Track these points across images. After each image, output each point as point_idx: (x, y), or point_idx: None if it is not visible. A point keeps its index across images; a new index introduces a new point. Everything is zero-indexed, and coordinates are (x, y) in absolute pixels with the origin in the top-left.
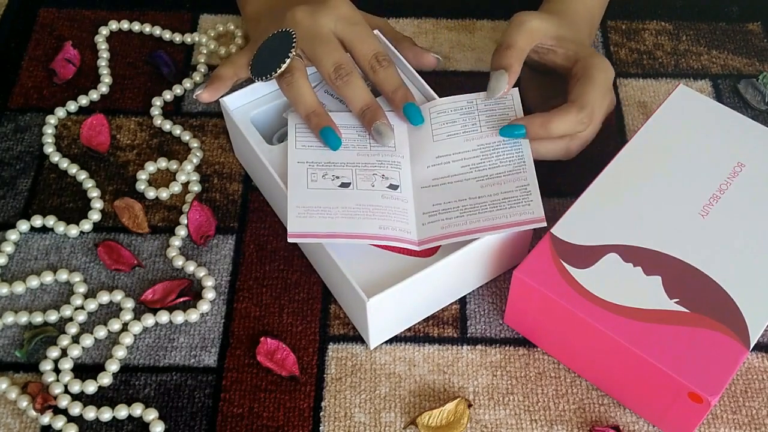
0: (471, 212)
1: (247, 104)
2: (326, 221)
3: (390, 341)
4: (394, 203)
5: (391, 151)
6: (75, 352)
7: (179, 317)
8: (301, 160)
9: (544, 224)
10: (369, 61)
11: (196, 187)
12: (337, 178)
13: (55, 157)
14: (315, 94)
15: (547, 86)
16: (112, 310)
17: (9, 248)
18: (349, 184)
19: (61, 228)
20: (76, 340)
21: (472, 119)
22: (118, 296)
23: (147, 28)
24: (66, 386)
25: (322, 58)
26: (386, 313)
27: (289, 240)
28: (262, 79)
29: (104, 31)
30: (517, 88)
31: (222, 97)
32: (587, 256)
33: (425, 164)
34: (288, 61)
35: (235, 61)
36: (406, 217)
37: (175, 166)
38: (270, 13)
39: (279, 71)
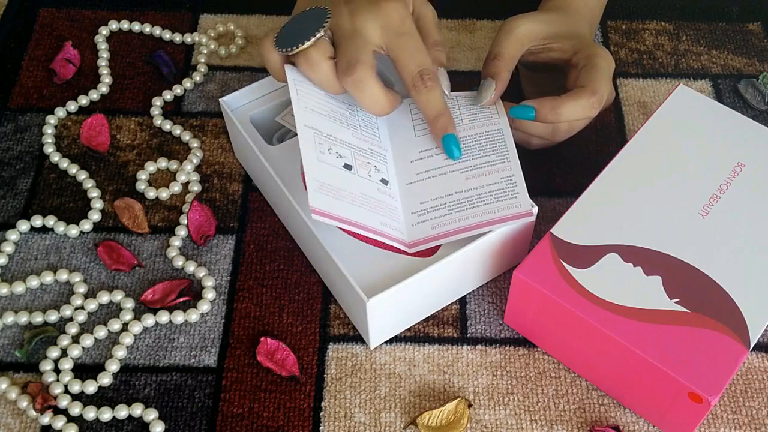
0: (459, 209)
1: (247, 104)
2: (342, 204)
3: (390, 341)
4: (387, 199)
5: (376, 140)
6: (75, 352)
7: (179, 317)
8: (307, 123)
9: (533, 218)
10: (413, 78)
11: (196, 187)
12: (341, 156)
13: (55, 157)
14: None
15: (543, 83)
16: (112, 310)
17: (9, 248)
18: (351, 167)
19: (61, 228)
20: (76, 340)
21: (454, 113)
22: (118, 296)
23: (147, 28)
24: (66, 386)
25: (340, 53)
26: (386, 313)
27: (313, 216)
28: (284, 51)
29: (104, 31)
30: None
31: (222, 97)
32: (587, 256)
33: (409, 159)
34: (314, 39)
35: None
36: (397, 216)
37: (175, 166)
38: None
39: (302, 47)
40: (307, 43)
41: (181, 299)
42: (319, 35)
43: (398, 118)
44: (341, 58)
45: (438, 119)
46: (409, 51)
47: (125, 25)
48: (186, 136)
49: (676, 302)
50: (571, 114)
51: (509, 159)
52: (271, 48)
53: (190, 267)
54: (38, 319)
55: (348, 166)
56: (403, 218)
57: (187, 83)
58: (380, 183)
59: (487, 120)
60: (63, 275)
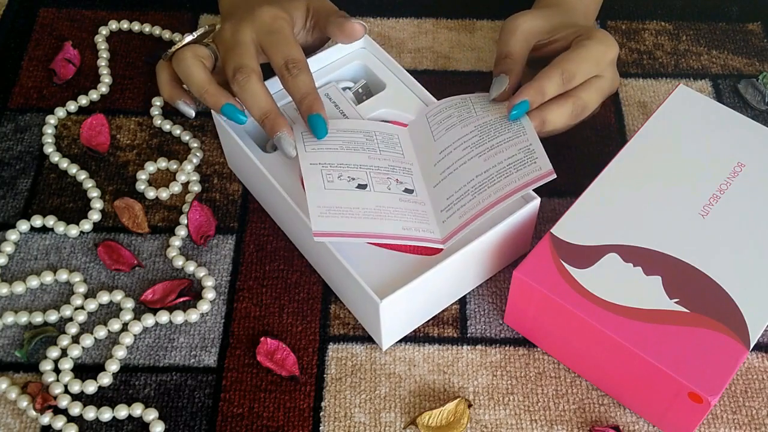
0: (481, 190)
1: None
2: (350, 221)
3: None
4: (413, 206)
5: (399, 157)
6: (75, 352)
7: (179, 317)
8: (313, 161)
9: (554, 176)
10: (280, 69)
11: (196, 187)
12: (353, 179)
13: (55, 157)
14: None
15: None
16: (112, 310)
17: (9, 248)
18: (366, 185)
19: (61, 228)
20: (76, 340)
21: (467, 109)
22: (118, 296)
23: (147, 28)
24: (66, 386)
25: (225, 62)
26: (398, 314)
27: (315, 239)
28: (164, 57)
29: (104, 31)
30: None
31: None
32: (587, 256)
33: (432, 163)
34: (185, 41)
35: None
36: (426, 218)
37: (175, 166)
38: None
39: (174, 47)
40: (179, 44)
41: (181, 299)
42: (189, 38)
43: (419, 129)
44: (228, 67)
45: (304, 99)
46: (276, 45)
47: (125, 25)
48: (186, 137)
49: (676, 302)
50: (551, 89)
51: (525, 132)
52: (160, 63)
53: (190, 267)
54: (38, 319)
55: (362, 186)
56: (434, 218)
57: None
58: (403, 193)
59: (501, 110)
60: (63, 275)
